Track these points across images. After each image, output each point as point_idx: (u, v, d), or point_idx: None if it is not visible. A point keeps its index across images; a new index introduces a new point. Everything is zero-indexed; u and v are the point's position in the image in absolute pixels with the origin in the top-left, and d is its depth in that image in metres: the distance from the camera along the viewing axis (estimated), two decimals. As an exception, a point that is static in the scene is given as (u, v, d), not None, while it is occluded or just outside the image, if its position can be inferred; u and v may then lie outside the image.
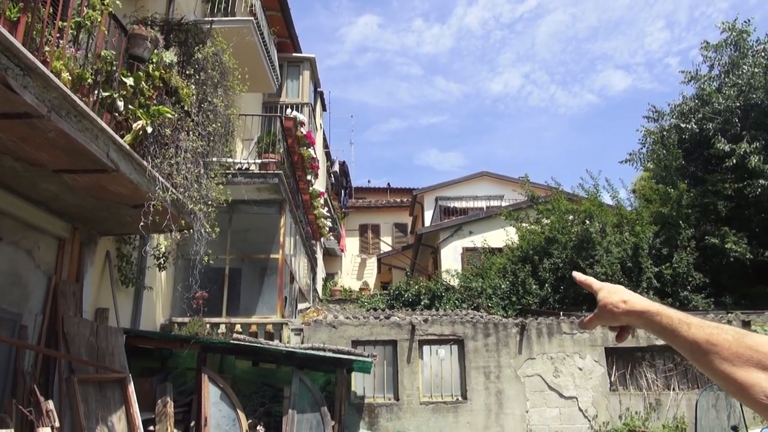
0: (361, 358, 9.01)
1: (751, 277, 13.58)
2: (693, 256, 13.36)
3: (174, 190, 5.81)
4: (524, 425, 10.63)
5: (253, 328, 9.75)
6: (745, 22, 14.78)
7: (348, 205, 25.67)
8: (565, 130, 77.18)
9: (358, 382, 10.74)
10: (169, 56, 5.87)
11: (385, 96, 77.49)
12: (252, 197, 9.73)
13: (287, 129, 10.84)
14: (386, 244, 25.10)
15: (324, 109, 20.01)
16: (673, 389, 10.97)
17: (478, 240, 17.03)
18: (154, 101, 5.57)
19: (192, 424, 7.60)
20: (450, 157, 74.37)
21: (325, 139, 20.94)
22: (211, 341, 8.25)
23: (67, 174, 5.06)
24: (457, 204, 20.71)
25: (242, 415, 7.89)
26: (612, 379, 11.10)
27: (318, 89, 17.69)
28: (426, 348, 11.12)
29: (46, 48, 4.11)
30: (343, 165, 24.88)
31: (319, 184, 15.70)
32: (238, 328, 9.59)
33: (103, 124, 4.66)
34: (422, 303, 14.25)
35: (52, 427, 5.16)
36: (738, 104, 14.06)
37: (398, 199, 27.05)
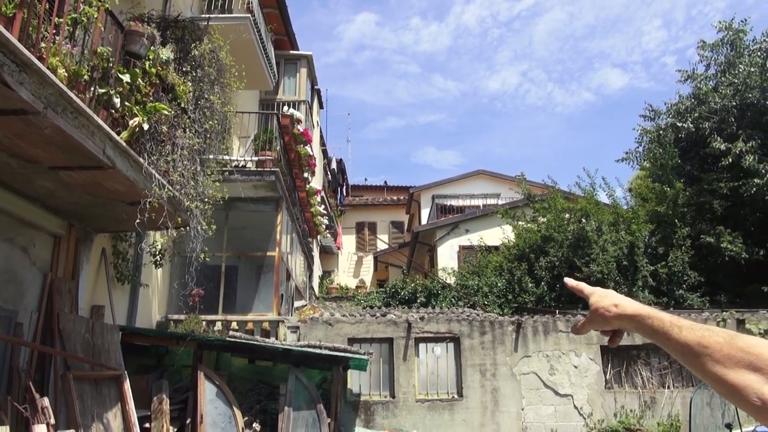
0: (357, 356, 9.03)
1: (745, 276, 13.64)
2: (688, 254, 13.41)
3: (170, 188, 5.80)
4: (520, 423, 10.66)
5: (250, 325, 9.75)
6: (741, 21, 14.84)
7: (345, 202, 25.66)
8: (562, 128, 77.33)
9: (354, 380, 10.76)
10: (166, 53, 5.86)
11: (383, 94, 77.48)
12: (248, 195, 9.72)
13: (284, 126, 10.83)
14: (383, 242, 25.12)
15: (321, 106, 19.99)
16: (668, 387, 11.02)
17: (475, 238, 17.05)
18: (151, 98, 5.55)
19: (188, 421, 7.60)
20: (447, 155, 74.42)
21: (322, 137, 20.92)
22: (207, 339, 8.25)
23: (63, 171, 5.04)
24: (454, 202, 20.72)
25: (238, 413, 7.90)
26: (607, 377, 11.14)
27: (315, 87, 17.67)
28: (422, 346, 11.14)
29: (42, 44, 4.09)
30: (340, 163, 24.87)
31: (316, 182, 15.69)
32: (234, 325, 9.58)
33: (100, 121, 4.65)
34: (418, 301, 14.27)
35: (48, 424, 5.15)
36: (734, 103, 14.11)
37: (395, 197, 27.06)
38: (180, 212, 6.20)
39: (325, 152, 21.85)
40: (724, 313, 11.70)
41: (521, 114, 79.14)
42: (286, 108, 12.94)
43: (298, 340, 10.25)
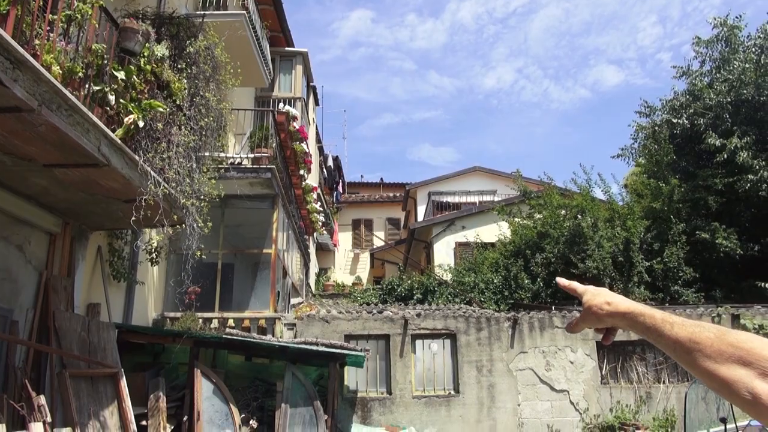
0: (353, 353, 9.04)
1: (740, 271, 13.71)
2: (684, 250, 13.46)
3: (166, 185, 5.79)
4: (516, 418, 10.70)
5: (246, 322, 9.74)
6: (736, 17, 14.87)
7: (341, 200, 25.65)
8: (558, 125, 77.42)
9: (351, 377, 10.78)
10: (161, 50, 5.84)
11: (378, 91, 77.40)
12: (244, 192, 9.71)
13: (280, 123, 10.80)
14: (379, 238, 25.12)
15: (317, 103, 19.96)
16: (663, 382, 11.08)
17: (471, 235, 17.07)
18: (146, 95, 5.53)
19: (184, 418, 7.60)
20: (443, 152, 74.44)
21: (318, 134, 20.90)
22: (203, 336, 8.25)
23: (58, 168, 5.03)
24: (450, 199, 20.73)
25: (235, 410, 7.90)
26: (603, 372, 11.19)
27: (311, 84, 17.63)
28: (418, 342, 11.16)
29: (36, 41, 4.07)
30: (336, 160, 24.84)
31: (312, 179, 15.67)
32: (230, 322, 9.58)
33: (95, 119, 4.63)
34: (415, 297, 14.29)
35: (44, 422, 5.15)
36: (729, 100, 14.14)
37: (391, 194, 27.06)
38: (176, 210, 6.19)
39: (321, 149, 21.83)
40: (719, 308, 11.76)
41: (517, 111, 79.23)
42: (281, 105, 12.89)
43: (295, 337, 10.26)
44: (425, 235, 18.67)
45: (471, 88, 79.08)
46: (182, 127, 6.13)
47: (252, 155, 10.07)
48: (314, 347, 8.80)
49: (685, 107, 15.04)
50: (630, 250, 13.51)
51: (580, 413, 10.78)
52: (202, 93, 6.50)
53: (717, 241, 13.21)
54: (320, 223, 15.97)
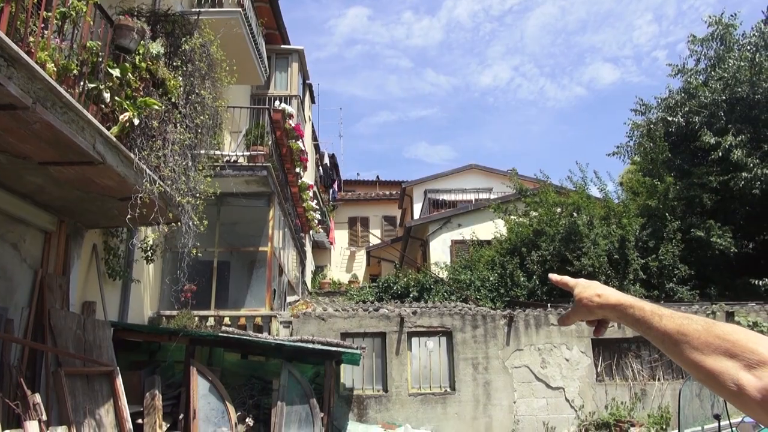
0: (350, 350, 9.04)
1: (735, 269, 13.77)
2: (679, 248, 13.51)
3: (161, 183, 5.77)
4: (512, 416, 10.74)
5: (242, 320, 9.74)
6: (731, 16, 14.92)
7: (337, 197, 25.64)
8: (554, 123, 77.53)
9: (347, 374, 10.79)
10: (156, 47, 5.82)
11: (375, 89, 77.34)
12: (240, 190, 9.69)
13: (276, 121, 10.79)
14: (375, 236, 25.13)
15: (313, 101, 19.94)
16: (658, 379, 11.13)
17: (467, 232, 17.09)
18: (141, 93, 5.52)
19: (180, 416, 7.60)
20: (439, 150, 74.45)
21: (314, 132, 20.87)
22: (199, 334, 8.24)
23: (53, 166, 5.01)
24: (446, 197, 20.76)
25: (231, 408, 7.90)
26: (598, 369, 11.23)
27: (307, 81, 17.61)
28: (415, 340, 11.18)
29: (31, 38, 4.06)
30: (332, 158, 24.82)
31: (308, 177, 15.65)
32: (226, 320, 9.57)
33: (89, 116, 4.62)
34: (411, 295, 14.31)
35: (39, 421, 5.14)
36: (724, 98, 14.20)
37: (387, 192, 27.06)
38: (171, 208, 6.18)
39: (317, 147, 21.80)
40: (714, 305, 11.82)
41: (513, 109, 79.33)
42: (277, 103, 12.88)
43: (291, 335, 10.26)
44: (421, 233, 18.69)
45: (467, 85, 79.15)
46: (178, 124, 6.12)
47: (248, 153, 10.05)
48: (310, 345, 8.80)
49: (680, 105, 15.09)
50: (625, 248, 13.56)
51: (576, 410, 10.82)
52: (197, 91, 6.49)
53: (712, 239, 13.26)
54: (316, 221, 15.97)
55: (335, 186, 25.18)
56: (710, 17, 14.99)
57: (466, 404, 10.75)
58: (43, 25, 4.24)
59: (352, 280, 21.89)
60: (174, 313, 9.19)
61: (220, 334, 8.43)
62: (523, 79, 77.41)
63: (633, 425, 10.30)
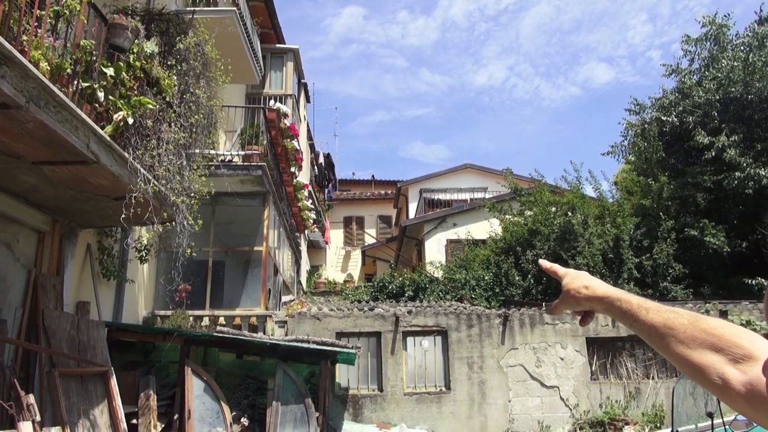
0: (345, 350, 9.04)
1: (728, 268, 13.83)
2: (673, 247, 13.57)
3: (156, 182, 5.76)
4: (507, 414, 10.76)
5: (237, 320, 9.72)
6: (724, 16, 14.99)
7: (332, 197, 25.61)
8: (549, 122, 77.72)
9: (342, 374, 10.78)
10: (150, 46, 5.80)
11: (370, 88, 77.34)
12: (235, 189, 9.67)
13: (271, 121, 10.77)
14: (371, 236, 25.13)
15: (308, 100, 19.91)
16: (652, 378, 11.18)
17: (462, 232, 17.11)
18: (135, 92, 5.49)
19: (175, 417, 7.58)
20: (434, 149, 74.52)
21: (309, 131, 20.85)
22: (194, 334, 8.22)
23: (47, 166, 4.98)
24: (442, 196, 20.78)
25: (226, 408, 7.89)
26: (593, 368, 11.27)
27: (302, 81, 17.59)
28: (410, 339, 11.18)
29: (24, 37, 4.04)
30: (327, 157, 24.79)
31: (304, 177, 15.64)
32: (221, 320, 9.55)
33: (83, 115, 4.60)
34: (406, 295, 14.32)
35: (33, 422, 5.11)
36: (717, 98, 14.27)
37: (383, 192, 27.05)
38: (166, 207, 6.16)
39: (312, 146, 21.78)
40: (708, 304, 11.87)
41: (508, 108, 79.49)
42: (272, 102, 12.85)
43: (286, 334, 10.25)
44: (416, 233, 18.70)
45: (462, 85, 79.25)
46: (172, 124, 6.10)
47: (243, 152, 10.03)
48: (305, 345, 8.79)
49: (674, 105, 15.15)
50: (620, 247, 13.61)
51: (570, 409, 10.85)
52: (192, 90, 6.47)
53: (705, 238, 13.33)
54: (311, 221, 15.95)
55: (330, 185, 25.15)
56: (704, 17, 15.07)
57: (462, 403, 10.76)
58: (36, 24, 4.22)
59: (348, 279, 21.88)
60: (169, 313, 9.17)
61: (215, 334, 8.41)
62: (518, 78, 77.61)
63: (627, 423, 10.33)
